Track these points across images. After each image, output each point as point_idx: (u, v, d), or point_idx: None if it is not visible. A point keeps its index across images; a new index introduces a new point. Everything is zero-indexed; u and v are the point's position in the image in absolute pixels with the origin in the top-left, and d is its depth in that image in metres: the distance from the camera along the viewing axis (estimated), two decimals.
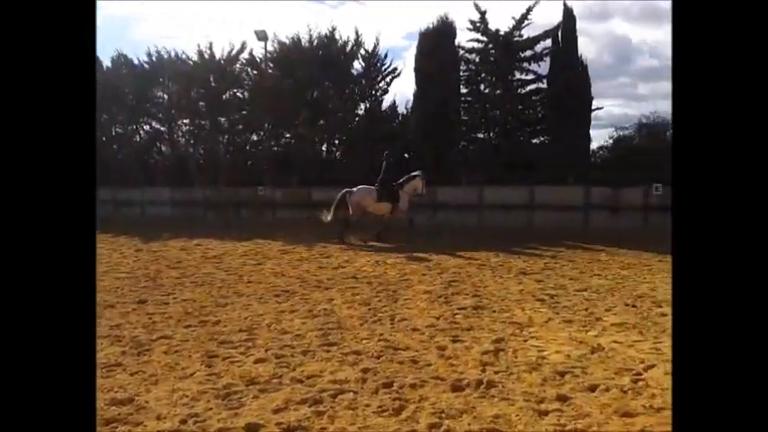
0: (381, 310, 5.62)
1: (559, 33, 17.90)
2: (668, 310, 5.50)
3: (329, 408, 3.11)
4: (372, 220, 13.03)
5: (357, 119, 20.47)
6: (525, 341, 4.50)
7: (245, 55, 21.14)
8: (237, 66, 21.39)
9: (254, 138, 21.98)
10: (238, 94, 21.61)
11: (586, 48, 60.97)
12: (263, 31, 19.10)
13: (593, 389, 3.38)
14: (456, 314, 5.45)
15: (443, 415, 3.01)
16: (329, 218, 12.46)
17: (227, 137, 21.90)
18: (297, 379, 3.59)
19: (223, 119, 21.31)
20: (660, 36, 67.51)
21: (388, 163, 12.89)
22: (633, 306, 5.74)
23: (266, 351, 4.22)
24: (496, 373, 3.70)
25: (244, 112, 21.51)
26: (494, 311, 5.58)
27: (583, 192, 14.92)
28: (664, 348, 4.21)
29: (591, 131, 18.48)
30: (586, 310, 5.59)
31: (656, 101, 64.13)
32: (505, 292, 6.63)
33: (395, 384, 3.47)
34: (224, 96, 20.97)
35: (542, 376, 3.61)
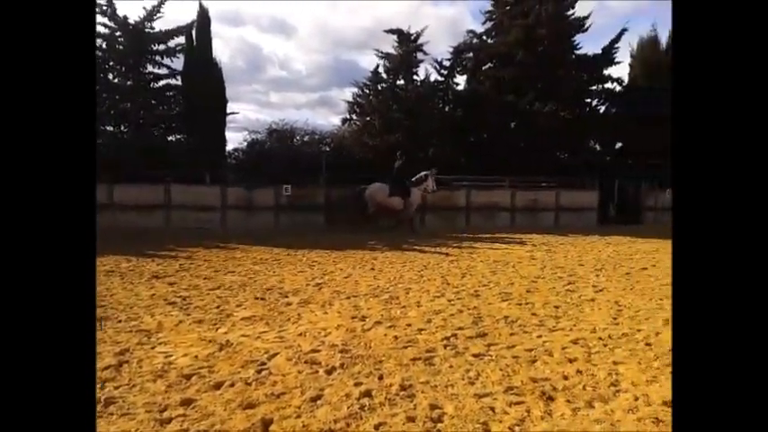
0: None
1: (194, 32, 17.76)
2: (293, 299, 6.08)
3: None
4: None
5: None
6: (153, 348, 4.25)
7: None
8: None
9: None
10: None
11: (220, 50, 62.47)
12: None
13: (218, 386, 3.42)
14: None
15: None
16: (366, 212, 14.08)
17: None
18: None
19: None
20: (289, 49, 74.44)
21: (402, 162, 14.12)
22: (262, 299, 6.12)
23: None
24: (117, 388, 3.36)
25: None
26: (119, 321, 5.08)
27: (220, 192, 15.16)
28: (287, 336, 4.61)
29: (227, 133, 19.00)
30: (218, 307, 5.67)
31: (286, 109, 70.76)
32: (135, 298, 6.14)
33: None
34: None
35: (167, 383, 3.46)
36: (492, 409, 3.09)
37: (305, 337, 4.54)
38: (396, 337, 4.53)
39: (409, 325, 4.96)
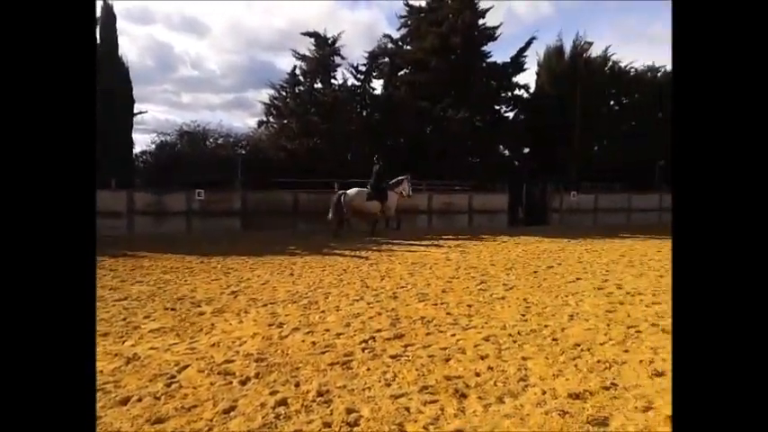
0: None
1: (98, 29, 16.73)
2: (206, 308, 5.86)
3: None
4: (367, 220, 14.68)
5: None
6: None
7: None
8: None
9: None
10: None
11: (127, 49, 59.21)
12: None
13: (125, 402, 3.23)
14: None
15: None
16: (330, 216, 14.02)
17: None
18: None
19: None
20: (201, 49, 71.97)
21: (380, 167, 14.32)
22: (172, 309, 5.84)
23: None
24: None
25: None
26: None
27: (126, 196, 14.32)
28: (198, 347, 4.43)
29: (134, 135, 18.05)
30: (125, 319, 5.34)
31: (199, 110, 68.29)
32: None
33: None
34: None
35: None
36: (407, 409, 3.15)
37: (218, 348, 4.40)
38: (314, 343, 4.50)
39: (328, 330, 4.94)
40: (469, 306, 6.01)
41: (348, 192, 14.32)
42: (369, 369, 3.84)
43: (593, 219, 19.74)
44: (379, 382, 3.59)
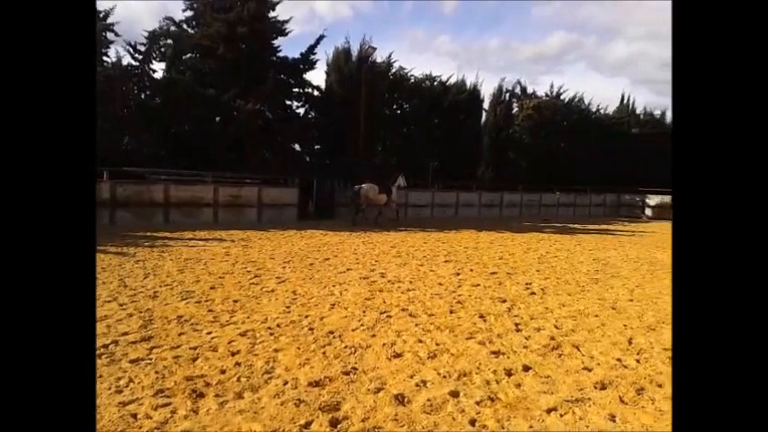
0: None
1: None
2: None
3: None
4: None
5: None
6: None
7: None
8: None
9: None
10: None
11: None
12: None
13: None
14: None
15: None
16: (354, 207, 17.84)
17: None
18: None
19: None
20: None
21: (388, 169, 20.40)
22: None
23: None
24: None
25: None
26: None
27: None
28: None
29: None
30: None
31: None
32: None
33: None
34: None
35: None
36: (134, 415, 2.94)
37: None
38: None
39: None
40: (235, 302, 5.90)
41: (363, 186, 17.50)
42: (101, 376, 3.49)
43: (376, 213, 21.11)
44: (110, 389, 3.29)
